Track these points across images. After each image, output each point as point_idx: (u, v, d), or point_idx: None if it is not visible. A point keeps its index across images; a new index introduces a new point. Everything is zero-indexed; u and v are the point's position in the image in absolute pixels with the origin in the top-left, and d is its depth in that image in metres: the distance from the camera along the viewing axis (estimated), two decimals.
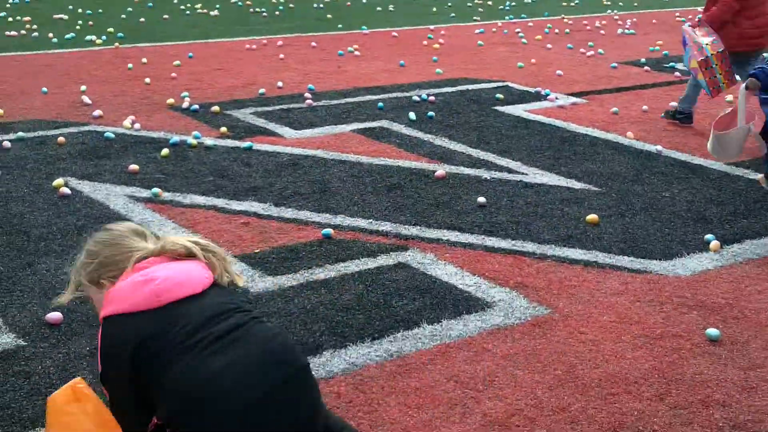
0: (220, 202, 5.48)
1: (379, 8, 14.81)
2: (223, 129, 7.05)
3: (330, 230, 4.99)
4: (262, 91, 8.39)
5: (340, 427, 2.75)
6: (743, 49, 7.33)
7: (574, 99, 8.46)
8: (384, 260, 4.66)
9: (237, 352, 2.50)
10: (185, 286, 2.63)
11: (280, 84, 8.69)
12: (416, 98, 8.23)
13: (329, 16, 13.58)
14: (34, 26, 11.84)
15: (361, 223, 5.19)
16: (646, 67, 10.03)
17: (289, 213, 5.34)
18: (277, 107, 7.89)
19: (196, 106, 7.72)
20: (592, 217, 5.24)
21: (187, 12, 13.56)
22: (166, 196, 5.57)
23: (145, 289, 2.61)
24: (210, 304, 2.62)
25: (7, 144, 6.49)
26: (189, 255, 2.78)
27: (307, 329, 3.92)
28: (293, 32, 12.02)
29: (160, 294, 2.60)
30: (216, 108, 7.69)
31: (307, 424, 2.51)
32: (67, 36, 11.16)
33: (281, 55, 10.24)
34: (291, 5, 14.71)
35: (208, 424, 2.42)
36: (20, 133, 6.80)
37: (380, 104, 7.94)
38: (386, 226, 5.13)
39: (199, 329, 2.53)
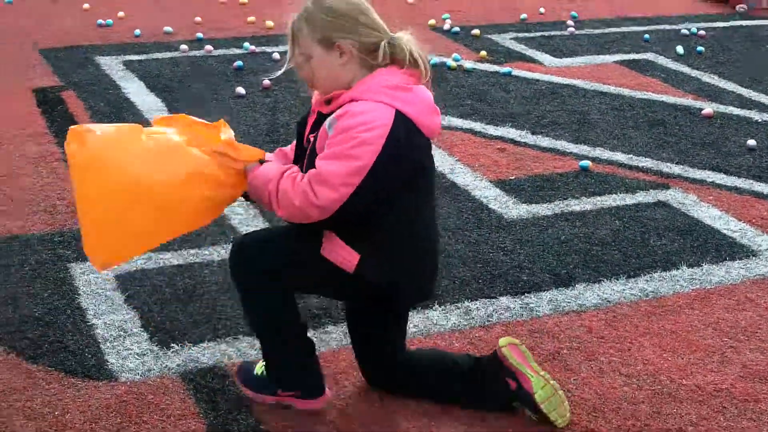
0: (478, 126, 5.48)
1: None
2: (483, 53, 7.02)
3: (588, 162, 4.88)
4: (523, 16, 8.27)
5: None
6: None
7: None
8: (643, 197, 4.53)
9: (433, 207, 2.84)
10: None
11: (542, 10, 8.52)
12: (685, 32, 7.85)
13: None
14: None
15: (620, 157, 5.04)
16: None
17: (545, 142, 5.27)
18: (538, 33, 7.76)
19: (457, 29, 7.70)
20: None
21: None
22: None
23: (437, 119, 2.67)
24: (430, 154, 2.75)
25: (276, 56, 6.74)
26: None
27: (560, 260, 3.88)
28: None
29: (438, 132, 2.70)
30: (476, 31, 7.65)
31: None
32: None
33: None
34: None
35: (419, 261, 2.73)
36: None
37: (646, 36, 7.64)
38: (647, 163, 4.96)
39: (433, 182, 2.78)
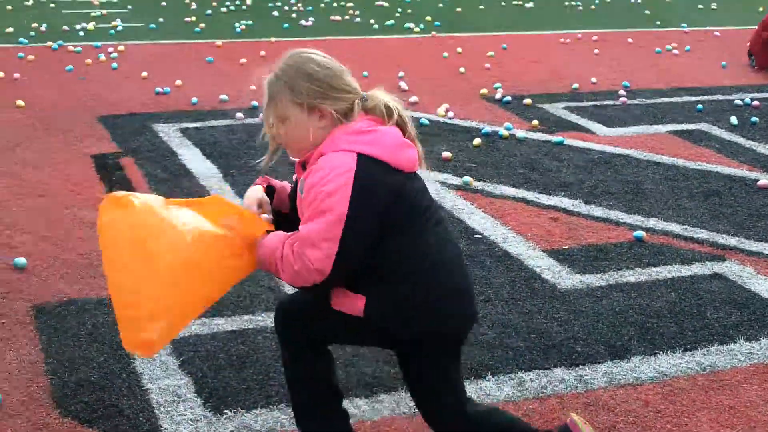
0: (530, 195, 5.48)
1: (700, 6, 14.23)
2: (535, 122, 7.04)
3: (642, 233, 4.85)
4: (575, 85, 8.30)
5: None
6: None
7: None
8: (698, 269, 4.48)
9: (450, 237, 2.78)
10: (417, 164, 2.72)
11: (593, 80, 8.56)
12: (738, 102, 7.83)
13: (647, 11, 13.22)
14: (357, 12, 12.36)
15: (675, 228, 5.00)
16: None
17: (599, 212, 5.24)
18: (590, 103, 7.78)
19: (509, 98, 7.76)
20: None
21: (503, 3, 13.66)
22: (477, 185, 5.64)
23: (408, 152, 2.65)
24: (425, 188, 2.74)
25: None
26: (399, 126, 2.70)
27: (616, 332, 3.84)
28: (609, 27, 11.80)
29: (415, 164, 2.67)
30: (528, 100, 7.69)
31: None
32: (387, 23, 11.56)
33: (596, 50, 10.09)
34: (607, 0, 14.45)
35: (436, 276, 2.65)
36: None
37: (699, 106, 7.63)
38: (702, 234, 4.92)
39: (429, 208, 2.71)
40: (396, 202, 2.59)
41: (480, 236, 4.82)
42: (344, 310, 2.65)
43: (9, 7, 11.60)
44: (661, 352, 3.68)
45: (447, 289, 2.69)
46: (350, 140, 2.59)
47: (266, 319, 3.84)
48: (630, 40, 10.83)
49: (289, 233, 2.64)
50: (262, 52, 9.27)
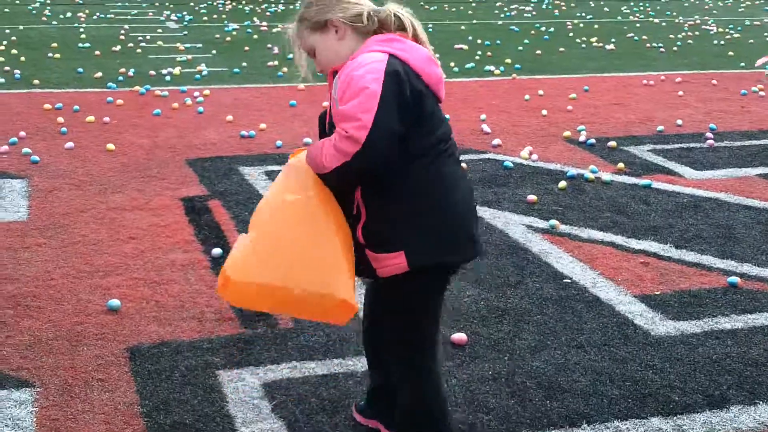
0: (619, 239, 5.40)
1: None
2: (620, 165, 6.96)
3: (736, 279, 4.74)
4: (660, 128, 8.20)
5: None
6: None
7: None
8: None
9: (459, 171, 2.92)
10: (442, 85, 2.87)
11: (679, 122, 8.44)
12: None
13: (730, 53, 13.03)
14: (437, 55, 12.37)
15: None
16: None
17: (690, 256, 5.15)
18: (677, 146, 7.67)
19: (593, 140, 7.69)
20: None
21: (583, 45, 13.59)
22: (563, 228, 5.58)
23: (435, 69, 2.83)
24: (446, 122, 2.90)
25: None
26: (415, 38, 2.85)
27: (713, 380, 3.75)
28: (692, 69, 11.66)
29: (440, 81, 2.84)
30: (612, 143, 7.62)
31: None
32: (467, 65, 11.57)
33: (680, 92, 9.96)
34: (690, 41, 14.29)
35: (444, 200, 2.80)
36: None
37: None
38: None
39: (450, 141, 2.89)
40: (417, 107, 2.73)
41: (569, 281, 4.76)
42: (394, 272, 2.77)
43: (97, 53, 11.90)
44: (761, 402, 3.58)
45: (466, 213, 2.87)
46: (382, 43, 2.77)
47: (356, 363, 3.83)
48: (714, 81, 10.68)
49: None
50: None
